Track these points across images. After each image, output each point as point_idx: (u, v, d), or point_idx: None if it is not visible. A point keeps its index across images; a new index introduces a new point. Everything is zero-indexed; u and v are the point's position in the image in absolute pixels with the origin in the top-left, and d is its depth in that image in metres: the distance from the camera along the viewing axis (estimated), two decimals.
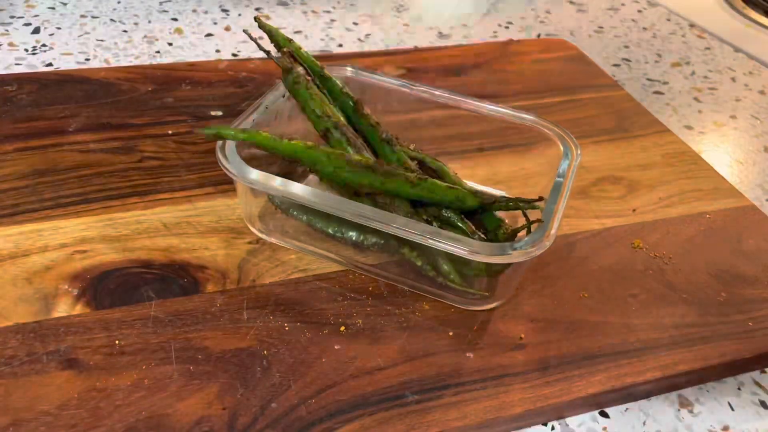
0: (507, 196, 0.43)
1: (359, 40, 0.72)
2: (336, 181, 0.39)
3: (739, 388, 0.39)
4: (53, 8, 0.72)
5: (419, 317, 0.39)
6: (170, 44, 0.67)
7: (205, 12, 0.74)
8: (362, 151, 0.41)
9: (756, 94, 0.69)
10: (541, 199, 0.37)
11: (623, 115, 0.60)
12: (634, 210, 0.49)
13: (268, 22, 0.45)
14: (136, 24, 0.70)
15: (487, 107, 0.45)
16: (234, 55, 0.66)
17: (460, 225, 0.40)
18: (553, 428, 0.36)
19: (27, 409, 0.32)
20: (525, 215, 0.38)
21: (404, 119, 0.48)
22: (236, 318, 0.38)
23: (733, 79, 0.72)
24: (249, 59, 0.63)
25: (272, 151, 0.39)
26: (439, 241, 0.34)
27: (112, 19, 0.71)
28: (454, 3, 0.75)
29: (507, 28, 0.78)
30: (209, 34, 0.70)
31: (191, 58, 0.65)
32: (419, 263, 0.39)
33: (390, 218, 0.35)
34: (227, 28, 0.71)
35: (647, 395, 0.37)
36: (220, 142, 0.39)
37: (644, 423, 0.36)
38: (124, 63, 0.63)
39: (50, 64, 0.62)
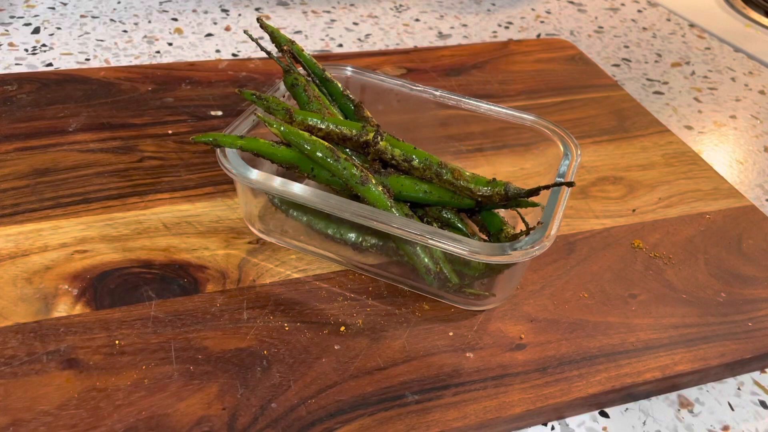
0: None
1: (359, 40, 0.72)
2: (334, 186, 0.39)
3: (739, 388, 0.39)
4: (53, 8, 0.72)
5: (419, 317, 0.39)
6: (170, 44, 0.67)
7: (205, 12, 0.74)
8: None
9: (756, 94, 0.69)
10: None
11: (623, 115, 0.60)
12: (634, 210, 0.49)
13: (268, 23, 0.45)
14: (136, 24, 0.70)
15: (487, 107, 0.45)
16: (234, 55, 0.66)
17: (460, 226, 0.40)
18: (553, 428, 0.36)
19: (27, 409, 0.32)
20: (523, 220, 0.38)
21: (404, 119, 0.48)
22: (236, 318, 0.38)
23: (733, 79, 0.72)
24: (249, 59, 0.63)
25: (270, 157, 0.39)
26: (439, 241, 0.34)
27: (112, 19, 0.71)
28: None
29: (507, 28, 0.78)
30: (209, 34, 0.70)
31: (191, 58, 0.65)
32: (418, 265, 0.39)
33: (390, 218, 0.35)
34: (227, 28, 0.71)
35: (647, 395, 0.37)
36: None
37: (644, 423, 0.36)
38: (124, 63, 0.63)
39: (50, 64, 0.62)
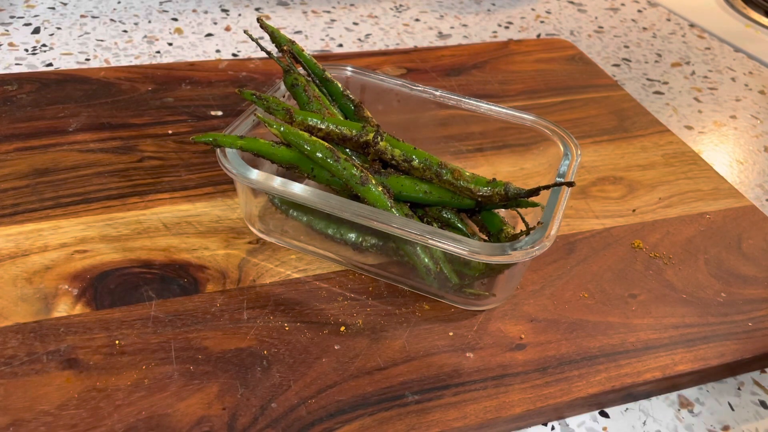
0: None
1: (359, 40, 0.72)
2: (334, 186, 0.39)
3: (739, 388, 0.39)
4: (53, 8, 0.72)
5: (419, 317, 0.39)
6: (170, 44, 0.67)
7: (205, 12, 0.74)
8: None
9: (756, 94, 0.69)
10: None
11: (623, 115, 0.60)
12: (634, 210, 0.49)
13: (268, 23, 0.45)
14: (136, 24, 0.70)
15: (487, 107, 0.45)
16: (234, 55, 0.66)
17: (460, 226, 0.40)
18: (553, 428, 0.36)
19: (27, 409, 0.32)
20: (523, 220, 0.38)
21: (404, 119, 0.48)
22: (236, 318, 0.38)
23: (733, 79, 0.72)
24: (249, 59, 0.63)
25: (270, 157, 0.39)
26: (439, 241, 0.34)
27: (112, 19, 0.71)
28: None
29: (507, 28, 0.78)
30: (209, 34, 0.70)
31: (191, 58, 0.65)
32: (418, 265, 0.39)
33: (390, 218, 0.35)
34: (227, 28, 0.71)
35: (647, 395, 0.37)
36: None
37: (644, 423, 0.36)
38: (124, 63, 0.63)
39: (50, 64, 0.62)
